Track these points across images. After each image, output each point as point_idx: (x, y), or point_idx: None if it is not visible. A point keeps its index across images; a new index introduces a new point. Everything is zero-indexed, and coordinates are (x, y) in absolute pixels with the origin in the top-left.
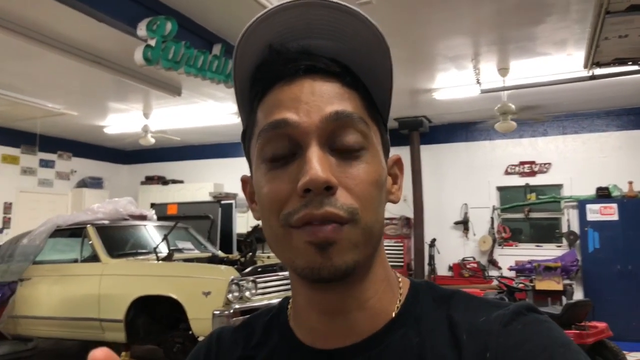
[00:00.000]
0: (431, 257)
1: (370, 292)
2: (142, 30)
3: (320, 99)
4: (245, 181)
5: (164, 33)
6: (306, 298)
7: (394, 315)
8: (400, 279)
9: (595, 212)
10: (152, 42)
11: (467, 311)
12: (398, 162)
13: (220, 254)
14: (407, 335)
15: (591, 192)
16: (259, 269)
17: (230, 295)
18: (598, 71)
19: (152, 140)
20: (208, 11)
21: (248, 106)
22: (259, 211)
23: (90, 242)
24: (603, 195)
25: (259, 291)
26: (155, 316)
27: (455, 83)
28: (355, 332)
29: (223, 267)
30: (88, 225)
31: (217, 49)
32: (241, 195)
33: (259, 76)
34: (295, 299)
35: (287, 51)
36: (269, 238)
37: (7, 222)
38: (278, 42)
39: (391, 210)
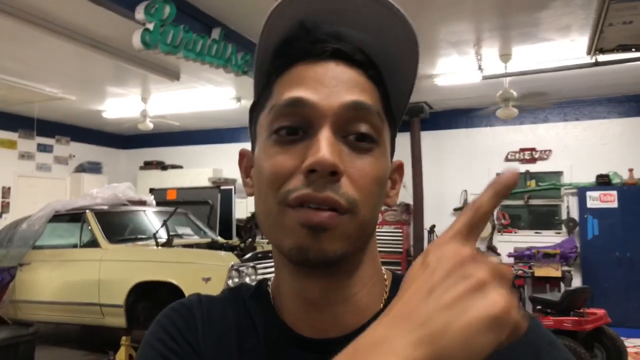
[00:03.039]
0: None
1: (357, 287)
2: (140, 13)
3: (342, 84)
4: (243, 154)
5: (162, 17)
6: (291, 288)
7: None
8: (385, 275)
9: (595, 200)
10: (150, 26)
11: None
12: (399, 168)
13: (220, 239)
14: None
15: (591, 179)
16: (259, 255)
17: (230, 281)
18: (601, 58)
19: (151, 125)
20: None
21: (264, 79)
22: (254, 185)
23: (89, 228)
24: (603, 182)
25: (259, 277)
26: (155, 301)
27: (456, 69)
28: (340, 325)
29: (223, 253)
30: (87, 211)
31: (216, 33)
32: (241, 180)
33: (284, 51)
34: (281, 286)
35: (317, 31)
36: (260, 214)
37: (5, 207)
38: (310, 21)
39: None
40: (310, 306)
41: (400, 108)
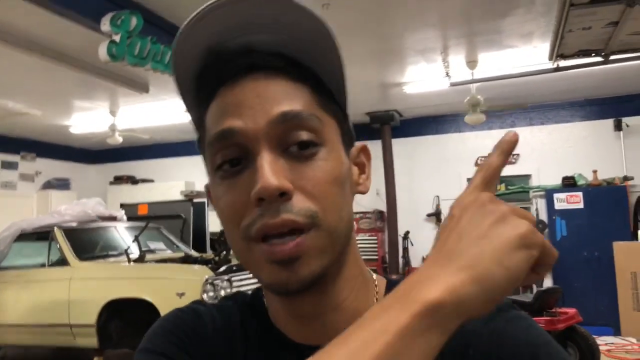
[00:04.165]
0: (405, 250)
1: (345, 291)
2: (105, 25)
3: (265, 100)
4: (209, 188)
5: (128, 28)
6: (279, 304)
7: None
8: (375, 278)
9: (562, 201)
10: (117, 38)
11: None
12: (364, 150)
13: (194, 253)
14: None
15: (558, 181)
16: (234, 268)
17: (205, 295)
18: (562, 63)
19: (120, 139)
20: (174, 5)
21: (196, 113)
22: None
23: (58, 246)
24: (569, 184)
25: (234, 290)
26: (128, 320)
27: (425, 76)
28: (333, 332)
29: (197, 266)
30: (55, 228)
31: None
32: None
33: (201, 83)
34: (270, 301)
35: (226, 51)
36: (233, 249)
37: None
38: (217, 42)
39: (364, 204)
40: (301, 319)
41: (341, 92)
